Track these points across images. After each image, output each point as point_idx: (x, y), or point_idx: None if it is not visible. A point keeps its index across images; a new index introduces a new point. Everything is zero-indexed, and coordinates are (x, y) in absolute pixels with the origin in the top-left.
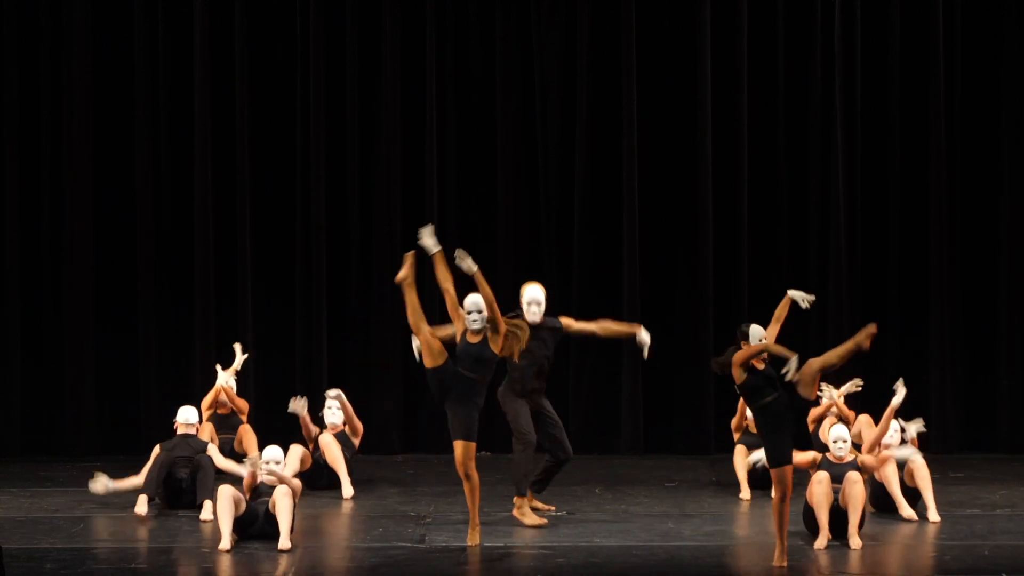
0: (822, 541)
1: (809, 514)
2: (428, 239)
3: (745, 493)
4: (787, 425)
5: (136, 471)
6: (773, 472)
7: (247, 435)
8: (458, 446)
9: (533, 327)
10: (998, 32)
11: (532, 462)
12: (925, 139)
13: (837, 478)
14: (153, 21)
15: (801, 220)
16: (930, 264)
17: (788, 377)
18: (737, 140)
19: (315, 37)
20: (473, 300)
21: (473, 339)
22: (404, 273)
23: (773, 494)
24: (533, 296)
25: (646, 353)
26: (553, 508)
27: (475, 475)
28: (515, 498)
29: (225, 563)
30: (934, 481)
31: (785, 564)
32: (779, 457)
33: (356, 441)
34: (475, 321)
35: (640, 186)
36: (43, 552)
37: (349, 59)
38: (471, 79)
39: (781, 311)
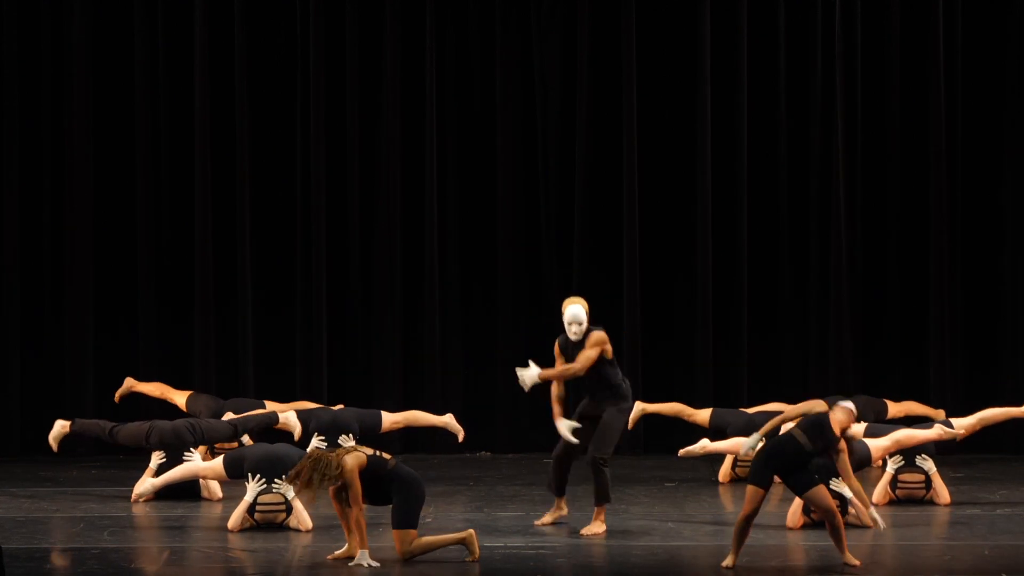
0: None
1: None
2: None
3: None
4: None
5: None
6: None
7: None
8: None
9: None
10: (999, 31)
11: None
12: (925, 138)
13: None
14: (153, 22)
15: (801, 221)
16: (930, 265)
17: None
18: (737, 141)
19: (315, 39)
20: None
21: None
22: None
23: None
24: (573, 316)
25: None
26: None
27: None
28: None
29: (225, 562)
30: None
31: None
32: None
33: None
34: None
35: (640, 186)
36: (43, 552)
37: (349, 61)
38: (471, 79)
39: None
